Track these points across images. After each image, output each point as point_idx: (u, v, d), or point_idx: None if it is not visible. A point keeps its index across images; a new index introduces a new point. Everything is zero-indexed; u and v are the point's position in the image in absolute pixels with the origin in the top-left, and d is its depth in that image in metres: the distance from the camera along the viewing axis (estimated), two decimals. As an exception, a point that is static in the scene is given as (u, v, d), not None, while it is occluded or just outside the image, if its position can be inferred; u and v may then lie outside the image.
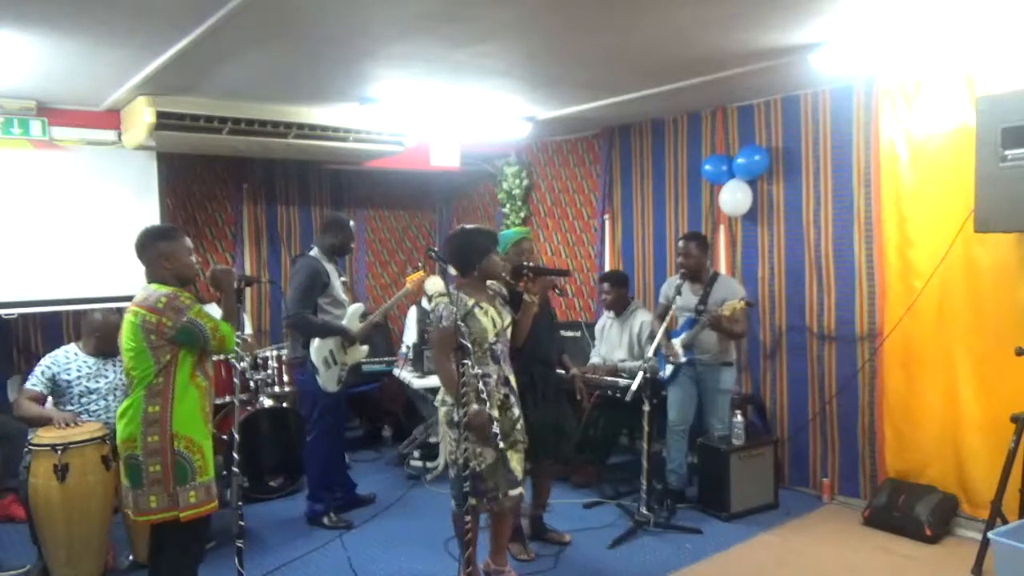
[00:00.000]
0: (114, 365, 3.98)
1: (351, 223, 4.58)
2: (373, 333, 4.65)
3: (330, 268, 4.40)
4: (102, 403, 3.92)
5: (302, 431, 4.90)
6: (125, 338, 2.84)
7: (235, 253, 6.27)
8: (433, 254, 3.80)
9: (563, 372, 4.31)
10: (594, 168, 6.17)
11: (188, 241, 3.02)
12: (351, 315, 4.48)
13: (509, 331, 3.51)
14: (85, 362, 3.95)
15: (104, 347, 3.96)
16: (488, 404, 3.29)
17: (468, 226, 3.61)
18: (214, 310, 3.06)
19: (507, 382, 3.44)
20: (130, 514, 2.89)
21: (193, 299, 2.89)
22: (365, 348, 4.61)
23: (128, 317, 2.83)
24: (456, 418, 3.24)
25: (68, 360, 3.93)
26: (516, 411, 3.45)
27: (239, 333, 3.04)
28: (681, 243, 4.62)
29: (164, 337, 2.78)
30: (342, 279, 4.56)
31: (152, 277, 2.91)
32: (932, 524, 4.02)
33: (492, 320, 3.39)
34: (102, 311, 4.07)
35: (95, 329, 3.97)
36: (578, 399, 4.34)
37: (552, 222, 6.58)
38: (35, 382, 3.86)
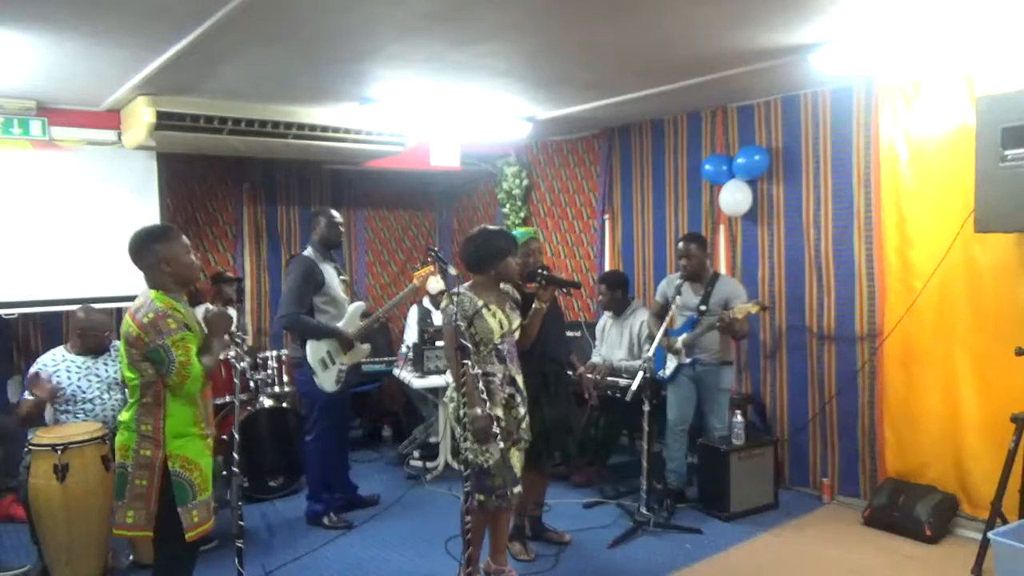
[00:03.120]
0: (104, 363, 3.97)
1: (332, 211, 4.47)
2: (373, 333, 4.62)
3: (326, 267, 4.35)
4: (97, 401, 3.91)
5: (302, 431, 4.91)
6: (120, 344, 2.80)
7: (235, 253, 6.28)
8: (433, 254, 3.79)
9: (570, 372, 4.31)
10: (594, 168, 6.17)
11: (185, 239, 2.88)
12: (351, 314, 4.44)
13: (517, 333, 3.53)
14: (74, 362, 3.94)
15: (90, 345, 3.95)
16: (490, 403, 3.30)
17: (490, 227, 3.62)
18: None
19: (512, 381, 3.45)
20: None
21: (180, 324, 2.73)
22: (367, 347, 4.56)
23: (123, 325, 2.78)
24: (461, 415, 3.26)
25: (56, 363, 3.92)
26: (522, 410, 3.46)
27: (239, 333, 3.00)
28: (681, 245, 4.61)
29: (140, 352, 2.69)
30: (341, 277, 4.50)
31: (152, 282, 2.79)
32: (932, 524, 4.02)
33: (500, 322, 3.41)
34: (84, 308, 4.04)
35: (78, 328, 3.96)
36: (586, 397, 4.35)
37: (552, 222, 6.58)
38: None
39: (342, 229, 4.50)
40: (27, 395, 3.85)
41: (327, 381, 4.33)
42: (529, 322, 3.61)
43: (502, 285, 3.54)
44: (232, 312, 4.64)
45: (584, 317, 6.17)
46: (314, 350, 4.29)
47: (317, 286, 4.27)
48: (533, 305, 3.59)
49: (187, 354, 2.72)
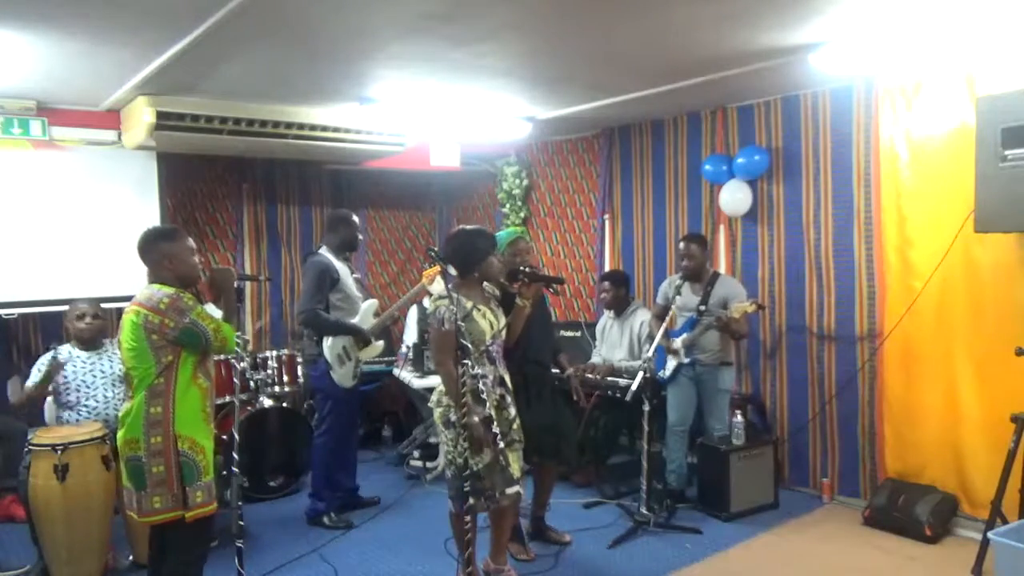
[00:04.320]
0: (109, 357, 4.00)
1: (354, 217, 4.58)
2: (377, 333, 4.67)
3: (340, 265, 4.41)
4: (100, 397, 3.92)
5: (302, 431, 4.92)
6: (125, 337, 2.82)
7: (236, 253, 6.27)
8: (433, 254, 3.80)
9: (559, 372, 4.30)
10: (594, 168, 6.17)
11: (191, 242, 3.01)
12: (365, 311, 4.49)
13: (504, 333, 3.52)
14: (79, 356, 3.97)
15: (89, 339, 3.98)
16: (487, 404, 3.29)
17: (467, 227, 3.60)
18: (213, 311, 3.05)
19: (503, 382, 3.45)
20: (134, 516, 2.88)
21: (195, 300, 2.90)
22: (380, 344, 4.64)
23: (129, 316, 2.82)
24: (453, 418, 3.24)
25: (66, 358, 3.94)
26: (512, 411, 3.46)
27: (239, 334, 3.05)
28: (682, 245, 4.62)
29: (166, 338, 2.78)
30: (355, 276, 4.57)
31: (155, 278, 2.91)
32: (932, 524, 4.02)
33: (490, 322, 3.40)
34: (83, 304, 4.06)
35: (77, 329, 3.99)
36: (575, 399, 4.33)
37: (552, 222, 6.58)
38: (35, 378, 3.88)
39: (361, 235, 4.64)
40: (31, 383, 3.87)
41: (344, 377, 4.38)
42: (512, 320, 3.57)
43: (484, 285, 3.53)
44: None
45: (584, 317, 6.17)
46: (331, 346, 4.35)
47: (332, 284, 4.34)
48: (515, 302, 3.57)
49: (213, 320, 2.90)
